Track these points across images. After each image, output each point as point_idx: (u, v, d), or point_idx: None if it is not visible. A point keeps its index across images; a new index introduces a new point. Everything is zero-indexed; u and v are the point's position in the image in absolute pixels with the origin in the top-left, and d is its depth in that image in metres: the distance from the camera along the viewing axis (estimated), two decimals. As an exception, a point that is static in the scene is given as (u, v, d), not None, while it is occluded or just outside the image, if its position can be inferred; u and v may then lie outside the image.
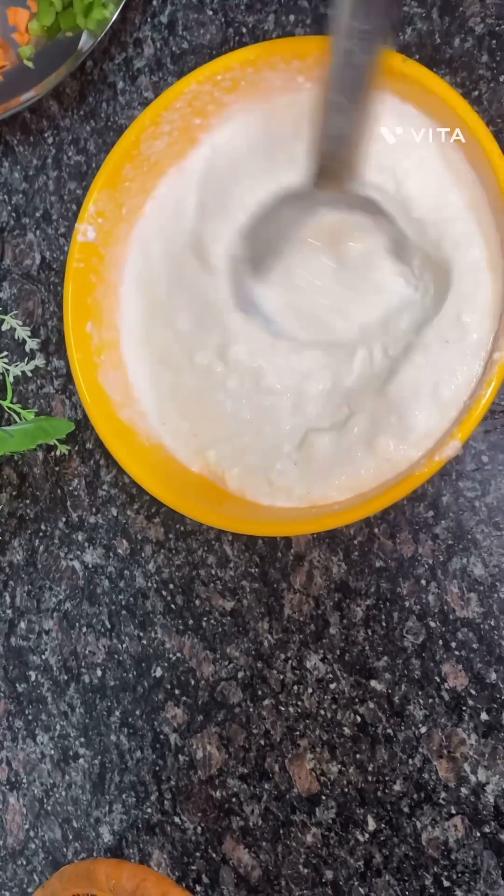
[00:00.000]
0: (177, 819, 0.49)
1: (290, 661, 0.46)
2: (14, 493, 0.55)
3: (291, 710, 0.46)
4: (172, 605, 0.50)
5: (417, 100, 0.39)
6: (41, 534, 0.54)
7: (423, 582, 0.43)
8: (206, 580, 0.49)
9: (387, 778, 0.43)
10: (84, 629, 0.53)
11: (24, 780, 0.55)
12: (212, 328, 0.45)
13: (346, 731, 0.45)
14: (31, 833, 0.55)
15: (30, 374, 0.54)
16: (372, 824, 0.44)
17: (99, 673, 0.52)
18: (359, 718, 0.44)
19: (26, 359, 0.54)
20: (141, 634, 0.51)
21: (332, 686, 0.45)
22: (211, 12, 0.48)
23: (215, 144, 0.45)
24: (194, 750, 0.49)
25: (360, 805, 0.44)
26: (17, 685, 0.55)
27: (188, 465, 0.45)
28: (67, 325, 0.44)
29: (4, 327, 0.55)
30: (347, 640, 0.45)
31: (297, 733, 0.46)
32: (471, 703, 0.42)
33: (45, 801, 0.54)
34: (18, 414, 0.54)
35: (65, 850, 0.53)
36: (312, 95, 0.41)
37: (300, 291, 0.43)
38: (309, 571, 0.46)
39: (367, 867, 0.44)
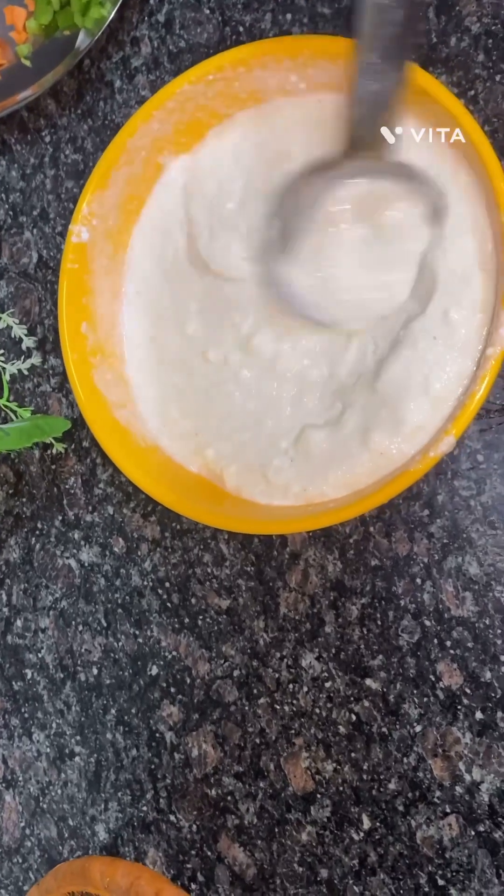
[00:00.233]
0: (172, 817, 0.49)
1: (285, 660, 0.46)
2: (10, 492, 0.56)
3: (287, 708, 0.46)
4: (168, 604, 0.50)
5: (412, 100, 0.39)
6: (37, 532, 0.54)
7: (419, 581, 0.43)
8: (202, 579, 0.49)
9: (382, 776, 0.43)
10: (80, 627, 0.53)
11: (20, 778, 0.55)
12: (224, 325, 0.45)
13: (342, 729, 0.45)
14: (27, 831, 0.55)
15: (26, 373, 0.54)
16: (367, 823, 0.44)
17: (95, 671, 0.52)
18: (354, 717, 0.44)
19: (23, 357, 0.54)
20: (137, 633, 0.51)
21: (328, 685, 0.45)
22: (208, 11, 0.48)
23: (208, 147, 0.45)
24: (190, 748, 0.49)
25: (354, 804, 0.44)
26: (14, 683, 0.55)
27: (186, 465, 0.45)
28: (62, 325, 0.44)
29: (1, 325, 0.55)
30: (343, 638, 0.45)
31: (293, 732, 0.46)
32: (466, 701, 0.42)
33: (40, 799, 0.54)
34: (15, 412, 0.54)
35: (60, 848, 0.53)
36: (307, 98, 0.42)
37: (335, 269, 0.41)
38: (304, 570, 0.46)
39: (361, 866, 0.44)
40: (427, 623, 0.43)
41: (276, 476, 0.42)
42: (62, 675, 0.53)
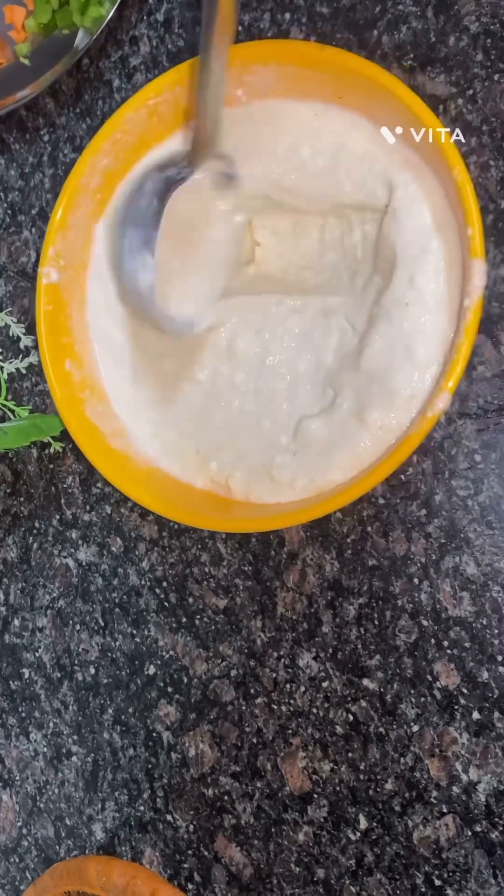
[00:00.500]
0: (169, 817, 0.49)
1: (282, 660, 0.46)
2: (8, 491, 0.55)
3: (284, 708, 0.46)
4: (166, 603, 0.50)
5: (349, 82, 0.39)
6: (35, 531, 0.54)
7: (416, 580, 0.43)
8: (200, 578, 0.49)
9: (378, 777, 0.43)
10: (77, 627, 0.53)
11: (17, 778, 0.55)
12: (200, 345, 0.45)
13: (339, 729, 0.45)
14: (24, 830, 0.55)
15: (24, 372, 0.54)
16: (363, 823, 0.44)
17: (92, 671, 0.52)
18: (351, 717, 0.44)
19: (21, 356, 0.54)
20: (134, 632, 0.51)
21: (325, 684, 0.45)
22: (207, 10, 0.48)
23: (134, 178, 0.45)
24: (187, 748, 0.49)
25: (351, 804, 0.44)
26: (11, 682, 0.55)
27: (191, 482, 0.45)
28: (46, 365, 0.43)
29: (-1, 324, 0.55)
30: (340, 638, 0.45)
31: (290, 732, 0.46)
32: (463, 701, 0.42)
33: (37, 798, 0.54)
34: (12, 411, 0.54)
35: (57, 847, 0.53)
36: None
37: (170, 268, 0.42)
38: (302, 570, 0.46)
39: (358, 866, 0.44)
40: (424, 623, 0.43)
41: (280, 473, 0.42)
42: (59, 675, 0.53)
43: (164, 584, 0.50)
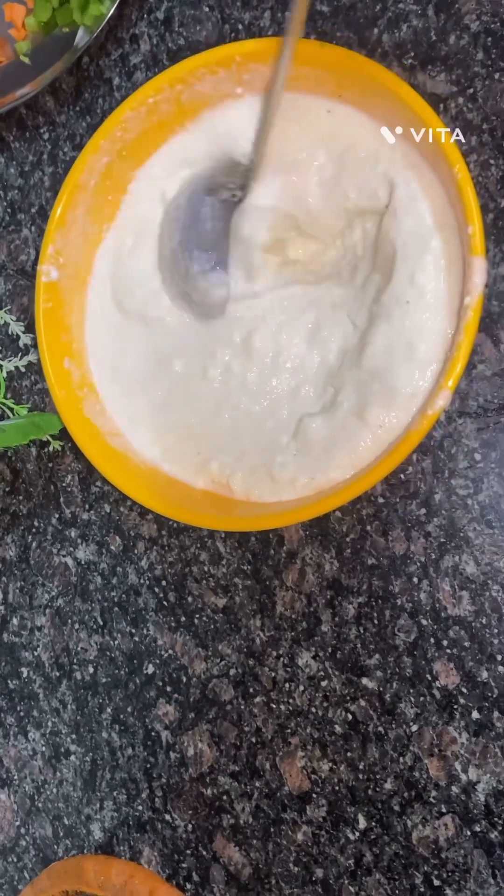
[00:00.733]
0: (167, 816, 0.49)
1: (281, 659, 0.46)
2: (7, 489, 0.55)
3: (283, 707, 0.46)
4: (165, 602, 0.49)
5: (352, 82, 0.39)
6: (34, 530, 0.54)
7: (415, 580, 0.43)
8: (199, 577, 0.48)
9: (378, 776, 0.43)
10: (76, 626, 0.52)
11: (16, 777, 0.55)
12: (213, 344, 0.45)
13: (338, 729, 0.44)
14: (22, 830, 0.54)
15: (23, 370, 0.54)
16: (362, 823, 0.44)
17: (91, 670, 0.52)
18: (350, 716, 0.44)
19: (20, 354, 0.54)
20: (133, 631, 0.50)
21: (324, 684, 0.45)
22: (207, 9, 0.48)
23: (148, 178, 0.46)
24: (185, 747, 0.49)
25: (350, 803, 0.44)
26: (9, 681, 0.55)
27: (191, 483, 0.45)
28: (45, 364, 0.43)
29: (-1, 323, 0.55)
30: (339, 637, 0.44)
31: (289, 731, 0.46)
32: (462, 701, 0.41)
33: (36, 797, 0.54)
34: (11, 409, 0.54)
35: (55, 847, 0.53)
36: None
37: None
38: (301, 569, 0.46)
39: (357, 866, 0.44)
40: (424, 622, 0.42)
41: (281, 472, 0.42)
42: (58, 674, 0.53)
43: (163, 582, 0.50)
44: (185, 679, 0.49)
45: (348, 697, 0.44)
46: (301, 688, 0.45)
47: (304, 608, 0.45)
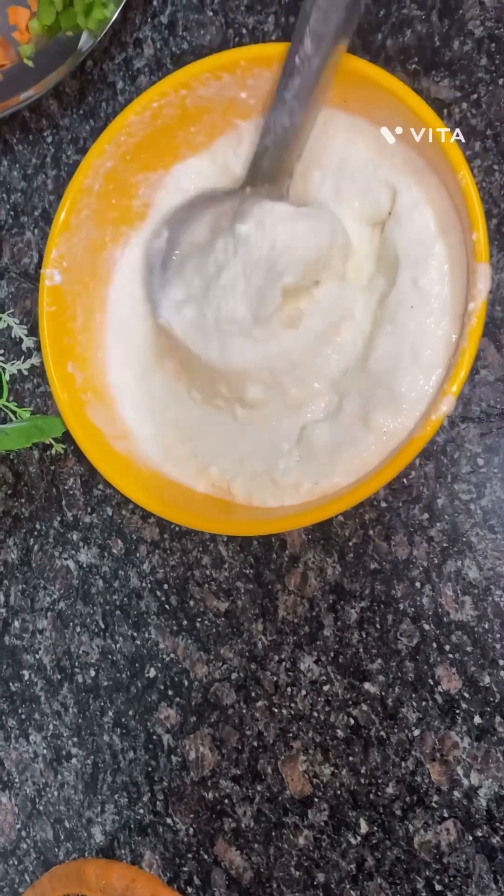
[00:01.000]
0: (169, 820, 0.49)
1: (283, 663, 0.46)
2: (9, 492, 0.55)
3: (285, 711, 0.46)
4: (167, 606, 0.49)
5: (356, 85, 0.39)
6: (36, 533, 0.54)
7: (418, 584, 0.43)
8: (201, 581, 0.48)
9: (379, 781, 0.43)
10: (78, 629, 0.52)
11: (17, 780, 0.55)
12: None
13: (340, 733, 0.44)
14: (23, 833, 0.54)
15: (26, 373, 0.54)
16: (364, 827, 0.44)
17: (92, 673, 0.52)
18: (352, 721, 0.44)
19: (23, 357, 0.54)
20: (135, 634, 0.50)
21: (326, 688, 0.45)
22: (211, 13, 0.48)
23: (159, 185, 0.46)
24: (187, 751, 0.49)
25: (352, 808, 0.44)
26: (11, 684, 0.55)
27: (192, 486, 0.45)
28: (49, 367, 0.43)
29: (1, 326, 0.55)
30: (341, 642, 0.44)
31: (290, 735, 0.46)
32: (464, 706, 0.41)
33: (37, 800, 0.54)
34: (14, 412, 0.54)
35: (56, 850, 0.53)
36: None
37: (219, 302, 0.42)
38: (303, 573, 0.46)
39: (358, 870, 0.44)
40: (426, 627, 0.42)
41: (284, 477, 0.42)
42: (59, 677, 0.53)
43: (165, 586, 0.50)
44: (186, 683, 0.49)
45: (350, 702, 0.44)
46: (303, 692, 0.45)
47: (307, 612, 0.45)
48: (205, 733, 0.48)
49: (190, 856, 0.48)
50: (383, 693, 0.43)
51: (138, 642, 0.50)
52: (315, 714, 0.45)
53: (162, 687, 0.50)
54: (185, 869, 0.48)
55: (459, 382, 0.35)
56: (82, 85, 0.53)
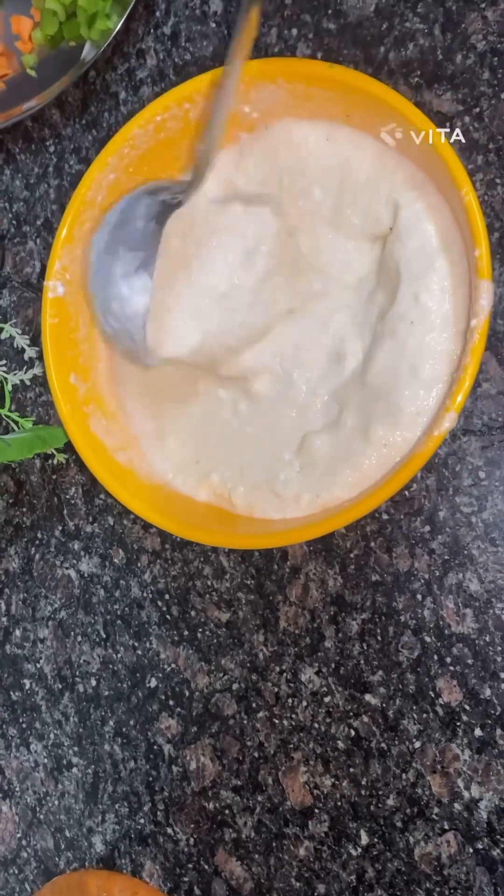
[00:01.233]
0: (169, 830, 0.49)
1: (284, 674, 0.46)
2: (11, 501, 0.55)
3: (285, 722, 0.46)
4: (168, 616, 0.50)
5: (360, 102, 0.39)
6: (37, 542, 0.54)
7: (419, 597, 0.43)
8: (202, 591, 0.49)
9: (380, 792, 0.43)
10: (79, 638, 0.53)
11: (17, 789, 0.55)
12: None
13: (340, 744, 0.45)
14: (24, 842, 0.54)
15: (28, 383, 0.54)
16: (365, 838, 0.44)
17: (93, 682, 0.52)
18: (353, 732, 0.44)
19: (25, 367, 0.54)
20: (136, 644, 0.50)
21: (327, 699, 0.45)
22: (214, 25, 0.49)
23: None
24: (188, 761, 0.49)
25: (353, 819, 0.44)
26: (12, 693, 0.55)
27: (194, 496, 0.45)
28: (51, 379, 0.43)
29: (4, 335, 0.55)
30: (342, 653, 0.45)
31: (291, 746, 0.46)
32: (465, 718, 0.42)
33: (37, 809, 0.54)
34: (16, 422, 0.54)
35: (57, 859, 0.53)
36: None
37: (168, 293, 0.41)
38: (305, 584, 0.46)
39: (359, 881, 0.44)
40: (427, 639, 0.43)
41: (285, 489, 0.42)
42: (60, 686, 0.53)
43: (167, 596, 0.50)
44: (187, 693, 0.49)
45: (351, 713, 0.44)
46: (304, 703, 0.45)
47: (308, 624, 0.46)
48: (206, 744, 0.48)
49: (190, 866, 0.48)
50: (384, 705, 0.43)
51: (139, 652, 0.50)
52: (316, 725, 0.45)
53: (163, 697, 0.50)
54: (186, 879, 0.48)
55: (462, 398, 0.35)
56: (85, 95, 0.53)
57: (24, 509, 0.55)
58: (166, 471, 0.46)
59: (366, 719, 0.44)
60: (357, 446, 0.40)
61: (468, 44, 0.42)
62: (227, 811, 0.47)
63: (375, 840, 0.43)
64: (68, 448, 0.53)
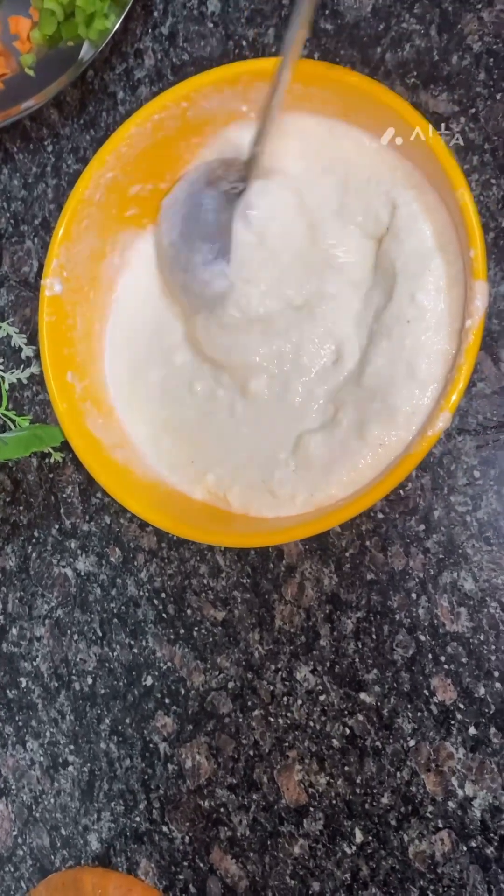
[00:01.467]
0: (165, 828, 0.49)
1: (280, 673, 0.46)
2: (7, 500, 0.56)
3: (281, 721, 0.46)
4: (164, 614, 0.50)
5: (359, 104, 0.39)
6: (34, 540, 0.55)
7: (414, 595, 0.43)
8: (198, 590, 0.49)
9: (374, 791, 0.44)
10: (75, 636, 0.53)
11: (13, 787, 0.55)
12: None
13: (335, 743, 0.45)
14: (19, 840, 0.55)
15: (25, 382, 0.55)
16: (359, 837, 0.44)
17: (89, 680, 0.52)
18: (347, 731, 0.44)
19: (22, 366, 0.54)
20: (132, 643, 0.51)
21: (322, 698, 0.45)
22: (212, 25, 0.49)
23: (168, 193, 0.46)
24: (183, 759, 0.49)
25: (347, 817, 0.44)
26: (8, 691, 0.55)
27: (189, 494, 0.45)
28: (48, 377, 0.43)
29: (1, 334, 0.55)
30: (338, 652, 0.45)
31: (286, 744, 0.46)
32: (459, 717, 0.42)
33: (33, 807, 0.54)
34: (13, 421, 0.54)
35: (52, 857, 0.53)
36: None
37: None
38: (300, 583, 0.46)
39: (353, 879, 0.44)
40: (422, 638, 0.43)
41: (280, 488, 0.42)
42: (57, 684, 0.53)
43: (163, 595, 0.50)
44: (183, 691, 0.49)
45: (346, 712, 0.44)
46: (299, 702, 0.46)
47: (303, 622, 0.46)
48: (201, 742, 0.48)
49: (186, 864, 0.48)
50: (379, 703, 0.44)
51: (135, 650, 0.50)
52: (311, 724, 0.45)
53: (159, 695, 0.50)
54: (181, 877, 0.48)
55: (456, 398, 0.35)
56: (83, 95, 0.53)
57: (21, 508, 0.55)
58: (162, 469, 0.46)
59: (360, 718, 0.44)
60: (352, 446, 0.40)
61: (464, 45, 0.43)
62: (222, 809, 0.47)
63: (370, 838, 0.44)
64: (65, 447, 0.53)
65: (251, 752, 0.47)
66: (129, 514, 0.51)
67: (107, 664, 0.51)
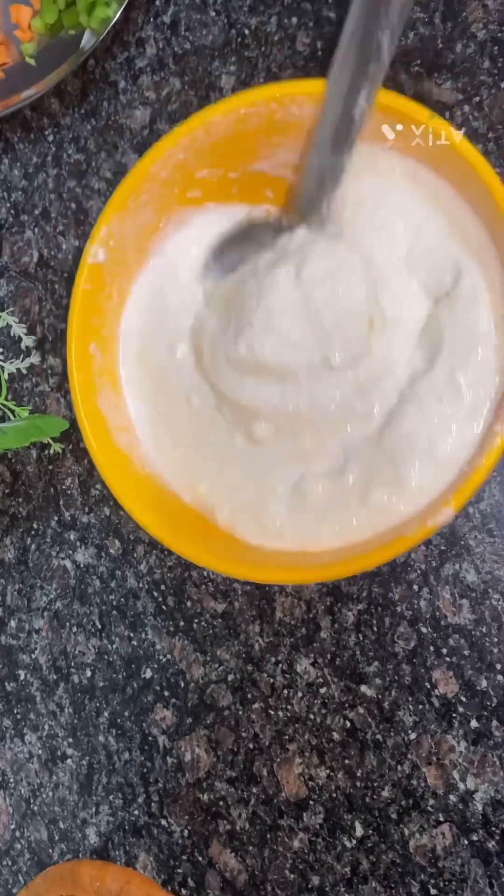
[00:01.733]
0: (164, 821, 0.49)
1: (280, 665, 0.46)
2: (7, 491, 0.55)
3: (281, 714, 0.46)
4: (163, 607, 0.49)
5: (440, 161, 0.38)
6: (33, 532, 0.54)
7: (416, 587, 0.43)
8: (198, 582, 0.48)
9: (375, 784, 0.43)
10: (74, 629, 0.52)
11: (11, 780, 0.55)
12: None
13: (336, 736, 0.44)
14: (17, 833, 0.54)
15: (25, 372, 0.54)
16: (359, 830, 0.44)
17: (88, 673, 0.52)
18: (348, 723, 0.44)
19: (22, 356, 0.54)
20: (131, 635, 0.50)
21: (322, 690, 0.45)
22: (214, 13, 0.48)
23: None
24: (182, 752, 0.49)
25: (347, 811, 0.44)
26: (6, 684, 0.55)
27: (181, 495, 0.44)
28: (70, 346, 0.42)
29: (0, 324, 0.55)
30: (338, 644, 0.44)
31: (286, 737, 0.46)
32: (461, 710, 0.41)
33: (31, 801, 0.54)
34: (13, 411, 0.54)
35: (51, 850, 0.53)
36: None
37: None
38: (301, 575, 0.46)
39: (353, 873, 0.44)
40: (423, 630, 0.42)
41: (270, 521, 0.41)
42: (55, 677, 0.53)
43: (163, 587, 0.49)
44: (182, 684, 0.49)
45: (347, 704, 0.44)
46: (299, 694, 0.45)
47: (304, 614, 0.45)
48: (200, 735, 0.48)
49: (184, 857, 0.48)
50: (380, 696, 0.43)
51: (135, 643, 0.50)
52: (311, 716, 0.45)
53: (158, 688, 0.49)
54: (180, 871, 0.48)
55: (462, 497, 0.35)
56: (84, 84, 0.53)
57: (20, 499, 0.55)
58: (159, 461, 0.45)
59: (361, 710, 0.44)
60: (352, 503, 0.39)
61: (468, 33, 0.42)
62: (221, 803, 0.47)
63: (370, 832, 0.43)
64: (65, 438, 0.53)
65: (251, 745, 0.47)
66: (128, 505, 0.51)
67: (106, 657, 0.51)
